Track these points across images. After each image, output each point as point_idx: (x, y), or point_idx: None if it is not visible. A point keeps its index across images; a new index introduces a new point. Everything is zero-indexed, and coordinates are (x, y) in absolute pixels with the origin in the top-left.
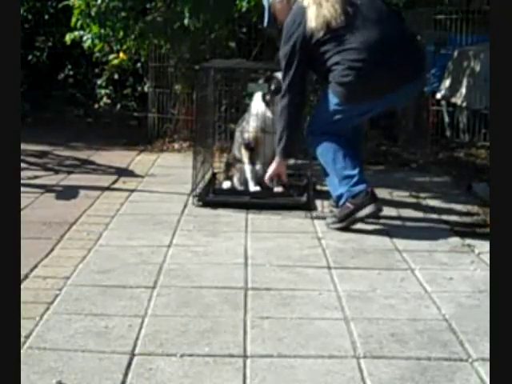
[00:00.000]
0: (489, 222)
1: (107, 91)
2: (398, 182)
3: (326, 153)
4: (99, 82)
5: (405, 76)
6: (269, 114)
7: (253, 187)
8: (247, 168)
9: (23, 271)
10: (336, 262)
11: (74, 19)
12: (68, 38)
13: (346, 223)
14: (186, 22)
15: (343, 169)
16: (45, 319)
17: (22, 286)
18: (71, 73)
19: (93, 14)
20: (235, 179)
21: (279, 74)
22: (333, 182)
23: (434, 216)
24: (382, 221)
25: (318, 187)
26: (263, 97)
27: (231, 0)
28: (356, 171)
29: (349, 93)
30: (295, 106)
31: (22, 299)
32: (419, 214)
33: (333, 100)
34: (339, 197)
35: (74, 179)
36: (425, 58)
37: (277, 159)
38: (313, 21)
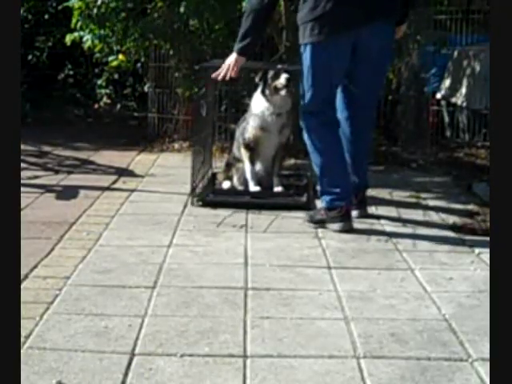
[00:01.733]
0: (489, 222)
1: (107, 91)
2: (398, 182)
3: (317, 156)
4: (99, 82)
5: (375, 10)
6: (269, 113)
7: (253, 187)
8: (247, 168)
9: (23, 271)
10: (336, 262)
11: (74, 20)
12: (68, 38)
13: (317, 226)
14: (191, 22)
15: (327, 184)
16: (45, 319)
17: (22, 286)
18: (71, 73)
19: (93, 14)
20: (235, 179)
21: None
22: (318, 181)
23: (434, 216)
24: (382, 221)
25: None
26: (262, 91)
27: (234, 0)
28: (338, 190)
29: (315, 27)
30: (262, 11)
31: (22, 299)
32: (419, 214)
33: (308, 52)
34: (321, 195)
35: (74, 179)
36: None
37: (234, 55)
38: None
